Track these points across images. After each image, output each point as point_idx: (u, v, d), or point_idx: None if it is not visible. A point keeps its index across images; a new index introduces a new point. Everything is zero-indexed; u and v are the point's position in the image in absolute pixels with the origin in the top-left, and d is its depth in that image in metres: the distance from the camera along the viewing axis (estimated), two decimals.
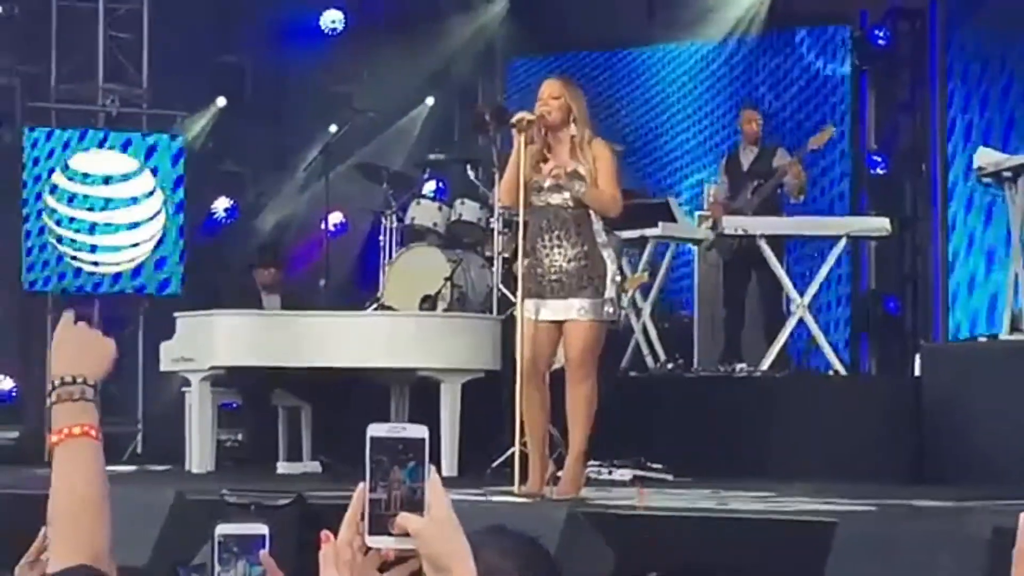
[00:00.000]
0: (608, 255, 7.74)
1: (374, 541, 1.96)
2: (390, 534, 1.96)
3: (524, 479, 7.70)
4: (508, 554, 2.83)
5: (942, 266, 13.44)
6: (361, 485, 1.97)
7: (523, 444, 7.74)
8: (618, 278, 7.85)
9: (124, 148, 13.10)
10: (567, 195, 7.66)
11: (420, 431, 1.98)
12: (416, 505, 1.95)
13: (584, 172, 7.65)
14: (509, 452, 8.27)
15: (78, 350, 2.71)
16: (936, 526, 6.00)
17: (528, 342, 7.66)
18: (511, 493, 7.66)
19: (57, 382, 2.65)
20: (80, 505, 2.58)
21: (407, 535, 1.95)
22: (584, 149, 7.69)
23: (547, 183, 7.69)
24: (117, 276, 13.12)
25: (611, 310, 7.70)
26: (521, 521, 6.19)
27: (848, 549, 5.74)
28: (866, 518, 6.68)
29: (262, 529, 2.06)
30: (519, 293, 7.83)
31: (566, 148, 7.73)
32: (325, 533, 2.00)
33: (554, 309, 7.66)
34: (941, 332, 13.25)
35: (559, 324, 7.68)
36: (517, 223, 8.62)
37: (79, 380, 2.66)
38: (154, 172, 13.15)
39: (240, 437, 11.64)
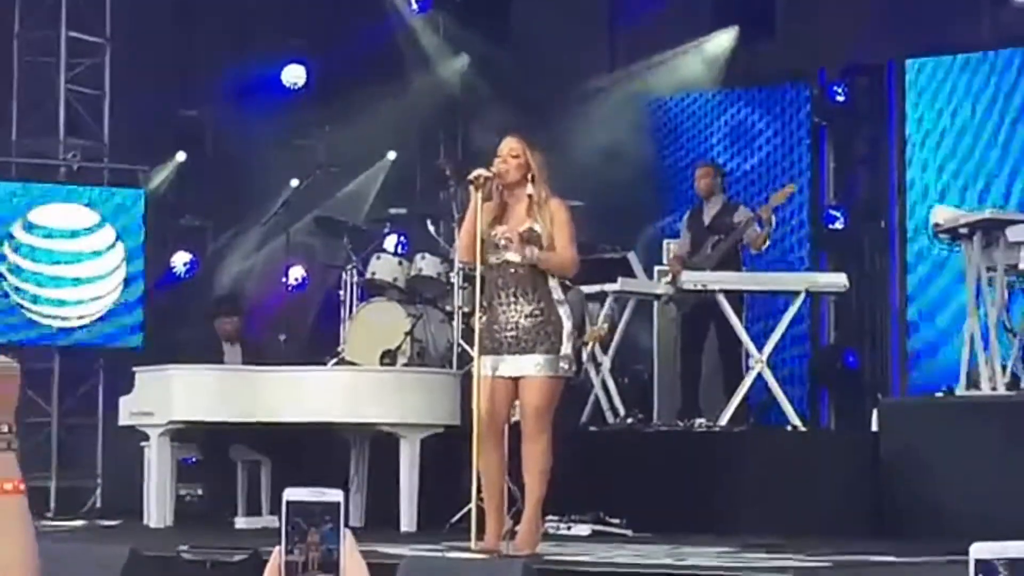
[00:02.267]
0: (564, 312, 7.77)
1: None
2: None
3: (481, 535, 7.70)
4: None
5: (900, 320, 13.52)
6: (276, 548, 2.01)
7: (480, 499, 7.75)
8: (574, 334, 7.88)
9: (84, 202, 13.09)
10: (524, 252, 7.70)
11: (336, 495, 2.03)
12: (332, 567, 2.00)
13: (540, 231, 7.69)
14: (468, 507, 8.27)
15: None
16: None
17: (485, 398, 7.68)
18: (468, 549, 7.66)
19: None
20: (14, 569, 2.54)
21: None
22: (541, 208, 7.72)
23: (502, 241, 7.72)
24: (77, 329, 13.09)
25: (567, 366, 7.72)
26: None
27: None
28: (820, 575, 6.69)
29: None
30: (476, 349, 7.85)
31: (523, 206, 7.77)
32: None
33: (511, 365, 7.69)
34: (900, 386, 13.31)
35: (516, 380, 7.70)
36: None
37: (2, 428, 2.45)
38: (115, 226, 13.14)
39: (199, 492, 11.61)
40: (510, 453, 7.95)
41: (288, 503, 2.03)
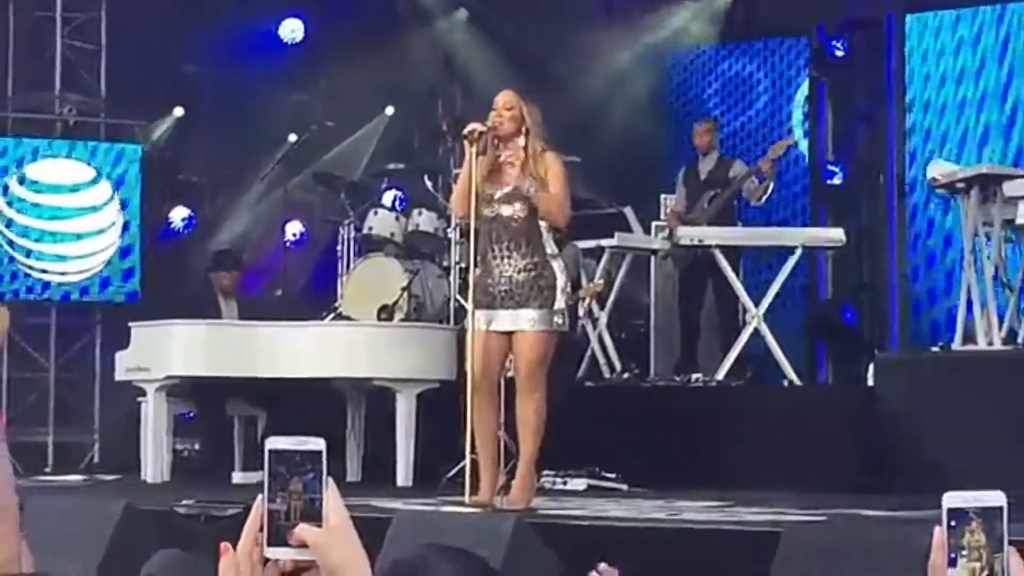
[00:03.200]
0: (558, 266, 7.77)
1: (273, 552, 1.99)
2: (288, 545, 1.98)
3: (475, 489, 7.72)
4: (451, 564, 2.84)
5: (899, 276, 13.50)
6: (259, 496, 1.99)
7: (474, 454, 7.76)
8: (568, 289, 7.88)
9: (80, 157, 13.07)
10: (517, 206, 7.69)
11: (318, 444, 2.01)
12: (315, 516, 1.98)
13: (534, 184, 7.68)
14: (463, 462, 8.28)
15: None
16: (882, 536, 6.02)
17: (479, 353, 7.68)
18: (462, 503, 7.67)
19: None
20: None
21: (305, 546, 1.98)
22: (536, 161, 7.71)
23: (498, 194, 7.71)
24: (74, 285, 13.09)
25: (560, 321, 7.72)
26: (469, 531, 6.22)
27: (792, 559, 5.76)
28: (812, 528, 6.71)
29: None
30: (469, 304, 7.85)
31: (518, 159, 7.75)
32: (224, 544, 2.02)
33: (504, 320, 7.69)
34: (899, 341, 13.30)
35: (509, 335, 7.70)
36: None
37: None
38: (111, 181, 13.13)
39: (196, 446, 11.62)
40: (506, 408, 7.97)
41: (270, 452, 2.01)
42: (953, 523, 1.96)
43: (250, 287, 12.10)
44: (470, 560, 2.99)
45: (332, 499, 1.99)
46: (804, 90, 13.98)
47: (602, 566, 4.18)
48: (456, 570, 2.85)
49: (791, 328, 13.00)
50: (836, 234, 11.54)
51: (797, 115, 14.08)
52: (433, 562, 2.88)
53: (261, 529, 1.99)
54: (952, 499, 1.97)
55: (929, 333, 12.77)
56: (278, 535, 1.98)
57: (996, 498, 1.97)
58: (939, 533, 1.96)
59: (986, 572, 1.95)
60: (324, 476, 2.00)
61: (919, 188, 13.09)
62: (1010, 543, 1.94)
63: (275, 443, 2.00)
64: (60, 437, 13.08)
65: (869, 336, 13.56)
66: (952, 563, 1.95)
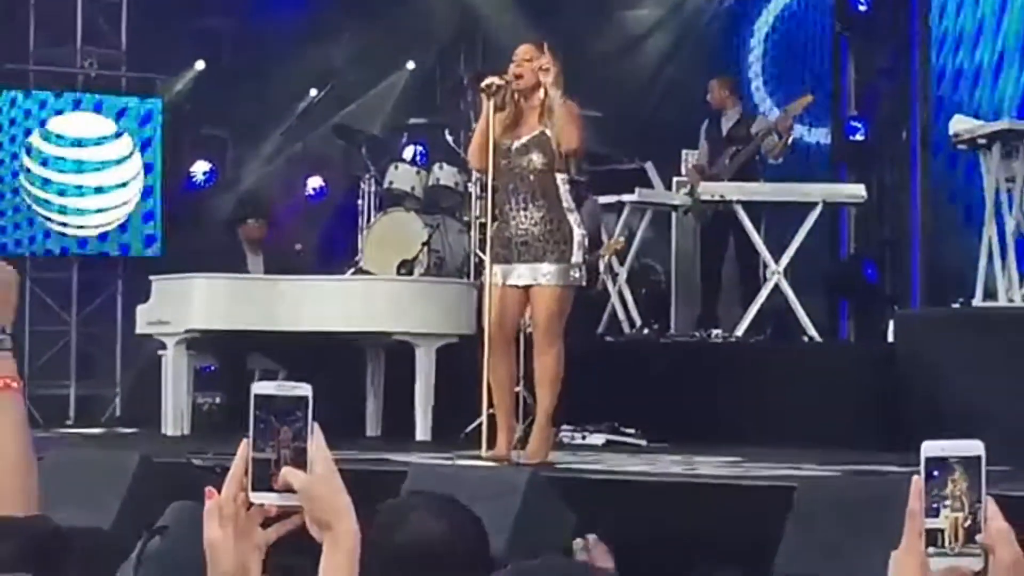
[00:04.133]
0: (575, 220, 7.75)
1: (258, 497, 1.99)
2: (273, 490, 1.98)
3: (492, 444, 7.72)
4: (436, 516, 2.85)
5: (921, 232, 13.45)
6: (244, 441, 1.98)
7: (491, 409, 7.76)
8: (586, 243, 7.86)
9: (102, 111, 13.08)
10: (534, 158, 7.66)
11: (304, 389, 2.00)
12: (300, 462, 1.97)
13: (552, 135, 7.65)
14: (481, 417, 8.28)
15: None
16: (898, 492, 5.99)
17: (496, 307, 7.67)
18: (479, 457, 7.67)
19: None
20: (5, 461, 2.57)
21: (290, 491, 1.97)
22: (553, 113, 7.68)
23: (515, 146, 7.69)
24: (95, 238, 13.12)
25: (577, 275, 7.71)
26: (484, 484, 6.23)
27: (807, 514, 5.75)
28: (827, 483, 6.70)
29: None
30: (487, 257, 7.84)
31: (536, 112, 7.73)
32: (209, 489, 2.01)
33: (521, 274, 7.67)
34: (920, 298, 13.25)
35: (526, 289, 7.69)
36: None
37: None
38: (132, 135, 13.13)
39: (217, 400, 11.64)
40: (524, 362, 7.96)
41: (256, 396, 2.01)
42: (936, 473, 1.95)
43: (270, 240, 12.09)
44: (456, 508, 2.99)
45: (318, 445, 1.99)
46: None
47: (591, 537, 4.17)
48: (439, 517, 2.85)
49: (812, 284, 12.97)
50: (857, 190, 11.49)
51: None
52: (417, 507, 2.88)
53: (246, 474, 1.98)
54: (931, 448, 1.96)
55: (950, 289, 12.71)
56: (263, 480, 1.98)
57: (975, 447, 1.96)
58: (917, 481, 1.96)
59: (968, 522, 1.94)
60: (310, 422, 2.00)
61: (941, 144, 13.01)
62: None
63: (261, 388, 2.01)
64: (82, 390, 13.14)
65: (890, 292, 13.52)
66: (935, 513, 1.94)
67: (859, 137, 13.71)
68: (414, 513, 2.87)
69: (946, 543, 1.96)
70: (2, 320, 2.60)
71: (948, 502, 1.96)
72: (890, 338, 10.10)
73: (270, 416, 1.99)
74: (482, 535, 2.91)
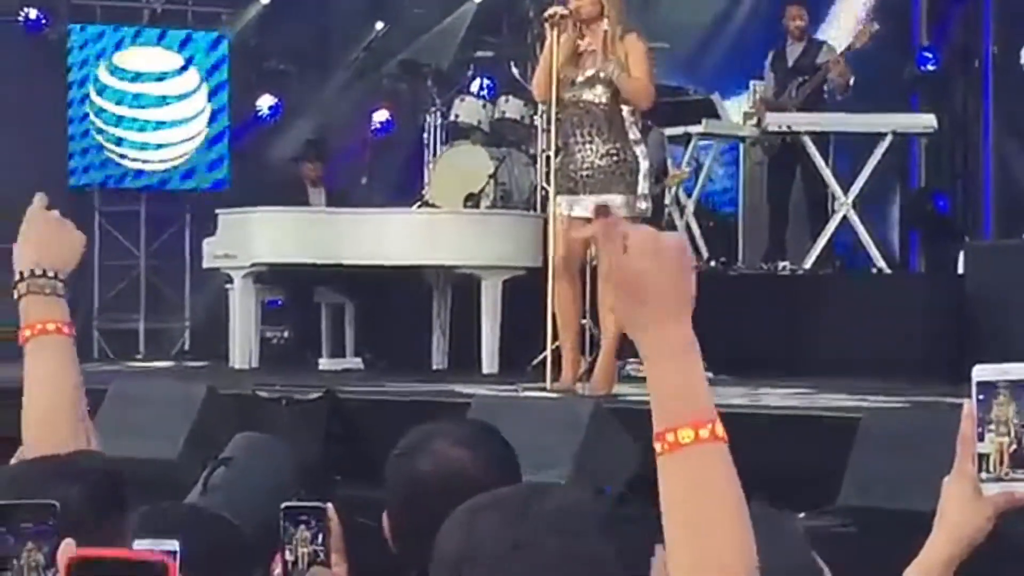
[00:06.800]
0: (640, 151, 7.72)
1: None
2: None
3: (557, 375, 7.71)
4: (461, 444, 2.82)
5: (993, 164, 13.29)
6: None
7: (556, 341, 7.75)
8: (652, 175, 7.81)
9: (168, 45, 13.10)
10: (599, 90, 7.60)
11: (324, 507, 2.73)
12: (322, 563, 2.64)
13: (616, 67, 7.58)
14: (548, 349, 8.26)
15: (48, 242, 2.66)
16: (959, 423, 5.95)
17: (561, 239, 7.64)
18: (544, 389, 7.67)
19: (26, 273, 2.62)
20: (52, 401, 2.59)
21: None
22: (616, 44, 7.61)
23: (580, 78, 7.64)
24: (163, 173, 13.18)
25: (644, 206, 7.67)
26: (547, 415, 6.24)
27: (871, 445, 5.72)
28: (892, 415, 6.65)
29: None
30: (552, 189, 7.80)
31: (599, 43, 7.67)
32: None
33: (587, 205, 7.63)
34: (993, 230, 13.11)
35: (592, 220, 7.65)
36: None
37: (49, 274, 2.62)
38: (199, 69, 13.16)
39: (285, 333, 11.69)
40: (592, 295, 7.93)
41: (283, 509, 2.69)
42: (982, 396, 1.91)
43: (336, 174, 12.10)
44: (485, 437, 2.94)
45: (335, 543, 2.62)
46: None
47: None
48: (464, 445, 2.82)
49: (882, 217, 12.87)
50: (928, 120, 11.35)
51: None
52: (442, 434, 2.86)
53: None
54: (982, 372, 1.92)
55: (1022, 221, 12.57)
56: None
57: (1021, 371, 1.91)
58: (968, 405, 1.92)
59: (1014, 447, 1.90)
60: (328, 530, 2.68)
61: (1015, 74, 12.83)
62: None
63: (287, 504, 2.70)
64: (151, 324, 13.23)
65: (962, 225, 13.38)
66: (980, 438, 1.91)
67: (930, 67, 13.54)
68: (438, 439, 2.84)
69: (993, 468, 1.93)
70: (59, 265, 2.63)
71: (993, 427, 1.92)
72: (960, 270, 10.00)
73: (290, 524, 2.73)
74: (512, 465, 2.85)
